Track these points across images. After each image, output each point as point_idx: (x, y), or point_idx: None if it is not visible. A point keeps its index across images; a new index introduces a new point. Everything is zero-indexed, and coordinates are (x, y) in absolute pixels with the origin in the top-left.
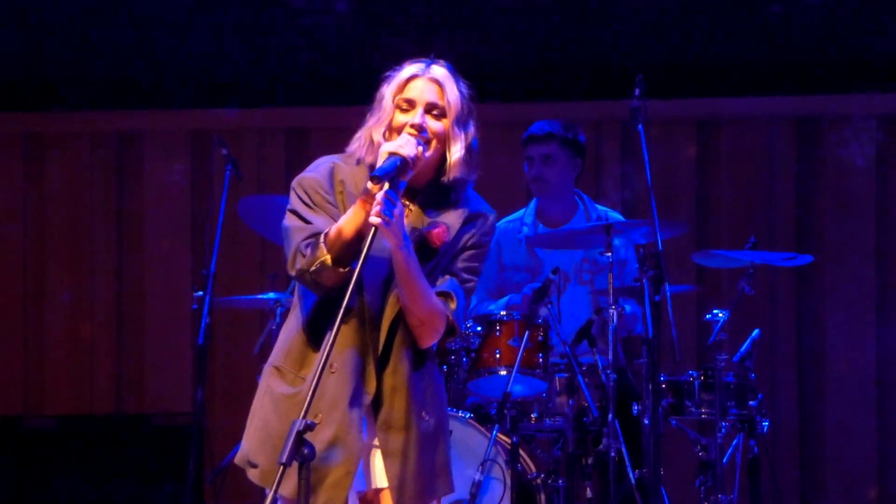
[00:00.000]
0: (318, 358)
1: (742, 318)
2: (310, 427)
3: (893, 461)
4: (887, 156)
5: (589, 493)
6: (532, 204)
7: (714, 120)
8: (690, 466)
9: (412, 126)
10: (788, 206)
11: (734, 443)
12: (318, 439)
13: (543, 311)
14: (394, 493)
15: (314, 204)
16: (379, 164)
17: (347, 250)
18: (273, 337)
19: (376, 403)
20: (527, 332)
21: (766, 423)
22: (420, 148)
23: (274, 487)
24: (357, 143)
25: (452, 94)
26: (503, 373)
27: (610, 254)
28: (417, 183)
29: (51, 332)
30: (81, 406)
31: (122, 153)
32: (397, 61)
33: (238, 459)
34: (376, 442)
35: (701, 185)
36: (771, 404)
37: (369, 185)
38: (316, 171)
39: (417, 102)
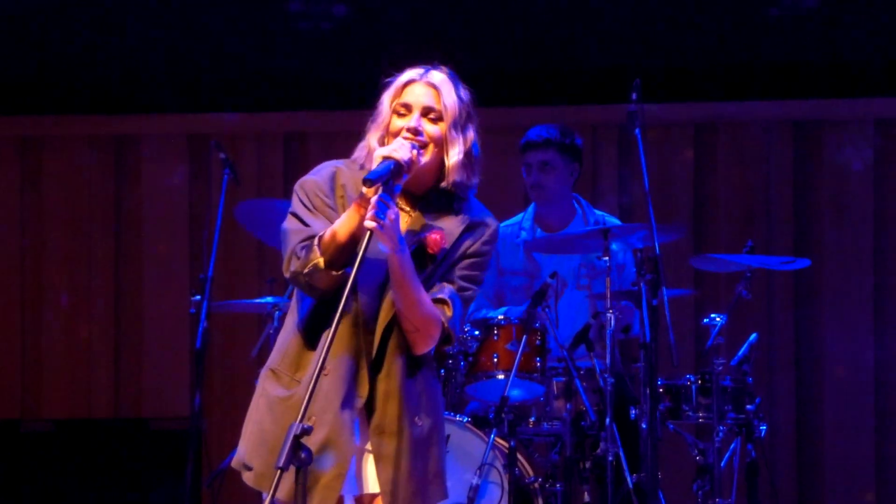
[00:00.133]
0: (314, 361)
1: (740, 322)
2: (306, 431)
3: (891, 464)
4: (884, 160)
5: (587, 498)
6: (530, 208)
7: (711, 124)
8: (688, 470)
9: (408, 130)
10: (786, 209)
11: (732, 447)
12: (310, 441)
13: (541, 316)
14: (385, 499)
15: (314, 207)
16: (373, 167)
17: (341, 254)
18: (271, 341)
19: (370, 408)
20: (524, 336)
21: (764, 427)
22: (414, 151)
23: (271, 492)
24: (360, 150)
25: (449, 98)
26: (501, 377)
27: (607, 258)
28: (418, 189)
29: (49, 336)
30: (79, 410)
31: (121, 157)
32: (395, 66)
33: (234, 462)
34: (369, 446)
35: (698, 190)
36: (768, 408)
37: (364, 188)
38: (318, 175)
39: (414, 107)
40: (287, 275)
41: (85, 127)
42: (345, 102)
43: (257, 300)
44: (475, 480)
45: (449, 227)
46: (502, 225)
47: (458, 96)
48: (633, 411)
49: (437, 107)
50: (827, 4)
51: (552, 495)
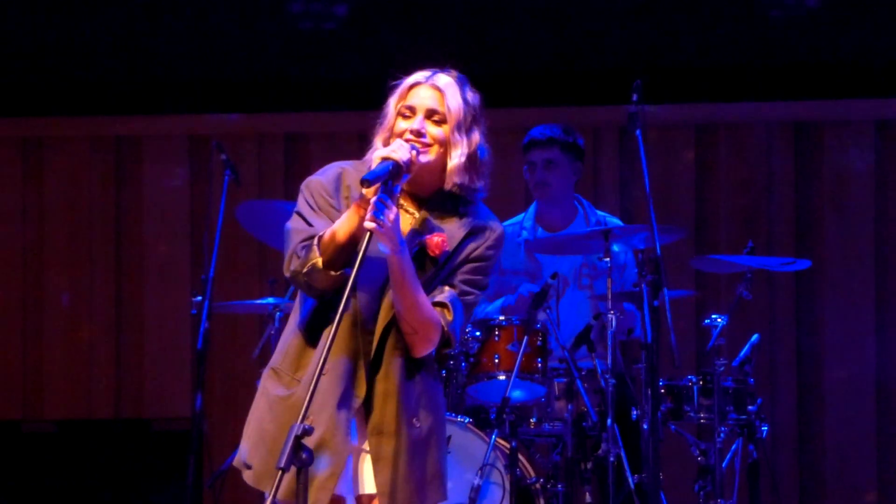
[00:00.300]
0: (314, 360)
1: (741, 323)
2: (307, 432)
3: (893, 465)
4: (885, 161)
5: (588, 498)
6: (532, 208)
7: (712, 125)
8: (690, 471)
9: (411, 132)
10: (787, 211)
11: (733, 447)
12: (307, 440)
13: (542, 316)
14: (383, 500)
15: (318, 207)
16: (372, 168)
17: (340, 254)
18: (272, 342)
19: (368, 408)
20: (525, 337)
21: (766, 428)
22: (413, 152)
23: (273, 491)
24: (371, 152)
25: (454, 100)
26: (502, 377)
27: (609, 259)
28: (422, 191)
29: (50, 337)
30: (80, 411)
31: (121, 158)
32: (395, 66)
33: (235, 461)
34: (367, 446)
35: (699, 191)
36: (770, 409)
37: (363, 189)
38: (323, 176)
39: (418, 109)
40: (287, 274)
41: (86, 128)
42: (346, 103)
43: (258, 301)
44: (476, 481)
45: (452, 230)
46: (503, 224)
47: (464, 99)
48: (635, 412)
49: (440, 109)
50: (828, 6)
51: (553, 496)
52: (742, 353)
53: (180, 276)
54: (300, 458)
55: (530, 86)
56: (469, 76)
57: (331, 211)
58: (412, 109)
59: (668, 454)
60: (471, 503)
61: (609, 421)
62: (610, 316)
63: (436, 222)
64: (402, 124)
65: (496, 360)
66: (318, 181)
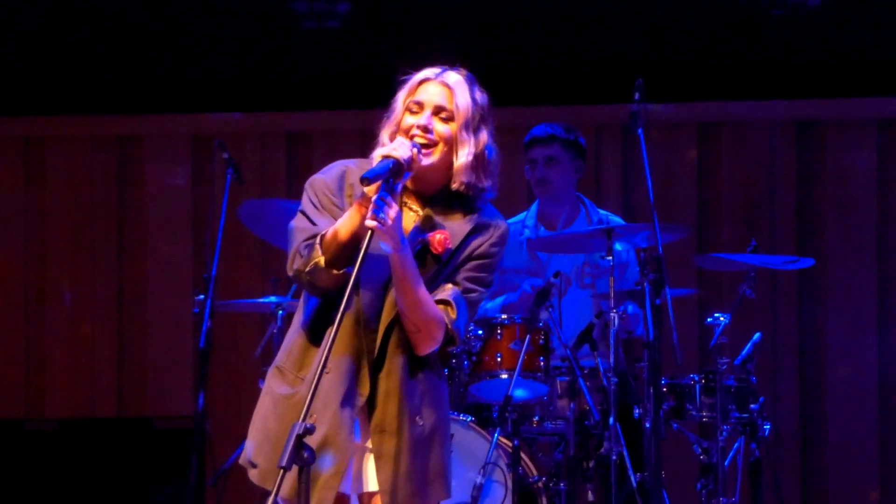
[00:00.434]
0: (317, 359)
1: (743, 322)
2: (309, 430)
3: (895, 464)
4: (888, 159)
5: (590, 497)
6: (534, 207)
7: (714, 123)
8: (692, 470)
9: (418, 127)
10: (789, 209)
11: (735, 446)
12: (310, 440)
13: (544, 315)
14: (384, 497)
15: (321, 206)
16: (372, 166)
17: (342, 253)
18: (274, 340)
19: (371, 406)
20: (528, 336)
21: (768, 427)
22: (415, 150)
23: (275, 490)
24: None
25: (462, 98)
26: (504, 376)
27: (611, 257)
28: (427, 189)
29: (52, 336)
30: (83, 409)
31: (124, 157)
32: (398, 66)
33: (241, 459)
34: (370, 444)
35: (701, 189)
36: (772, 407)
37: (365, 188)
38: (327, 174)
39: (426, 105)
40: (290, 273)
41: (88, 127)
42: (348, 102)
43: (261, 300)
44: (479, 479)
45: (456, 227)
46: None
47: (473, 98)
48: (637, 410)
49: (448, 106)
50: (830, 4)
51: (556, 494)
52: (744, 352)
53: (182, 274)
54: (302, 456)
55: (532, 84)
56: (471, 74)
57: (334, 209)
58: (420, 105)
59: (671, 453)
60: (473, 501)
61: (611, 419)
62: (612, 314)
63: (440, 220)
64: (410, 119)
65: (498, 359)
66: (322, 180)
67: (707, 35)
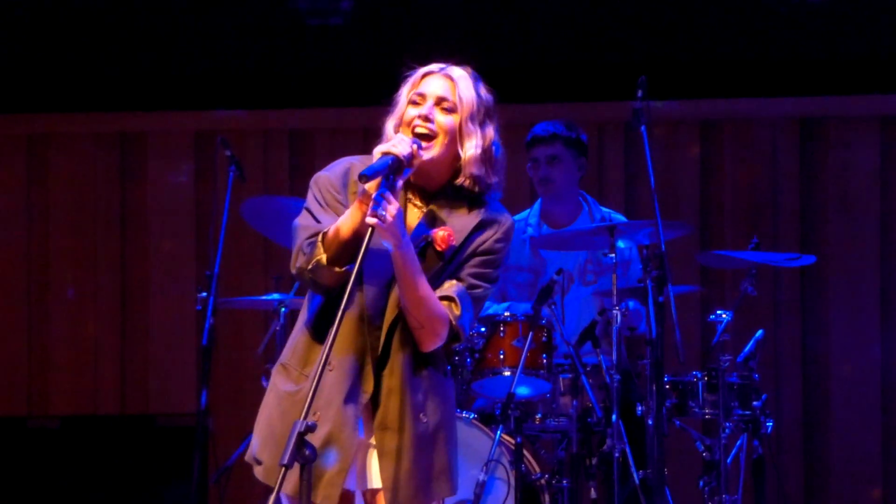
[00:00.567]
0: (319, 356)
1: (746, 319)
2: (311, 428)
3: None
4: (891, 156)
5: (593, 494)
6: (536, 205)
7: (717, 121)
8: (694, 467)
9: (419, 117)
10: (792, 206)
11: (738, 443)
12: (314, 437)
13: (547, 312)
14: (387, 494)
15: (326, 204)
16: (372, 163)
17: (344, 250)
18: (277, 338)
19: (375, 403)
20: (531, 333)
21: (770, 423)
22: (415, 146)
23: (276, 488)
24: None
25: (466, 91)
26: (507, 373)
27: (614, 255)
28: (430, 184)
29: (55, 333)
30: (85, 407)
31: (126, 154)
32: (401, 64)
33: (247, 456)
34: (374, 441)
35: (704, 186)
36: (775, 404)
37: (365, 185)
38: (331, 171)
39: (428, 96)
40: (293, 271)
41: (91, 124)
42: (351, 99)
43: (263, 297)
44: (482, 477)
45: (460, 223)
46: None
47: (477, 92)
48: (640, 408)
49: (451, 97)
50: (833, 1)
51: (558, 492)
52: (747, 349)
53: (185, 272)
54: (303, 454)
55: (535, 81)
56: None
57: (338, 207)
58: (422, 96)
59: (673, 450)
60: (476, 499)
61: (614, 417)
62: (615, 312)
63: (444, 216)
64: (412, 111)
65: (501, 356)
66: (326, 177)
67: (710, 32)
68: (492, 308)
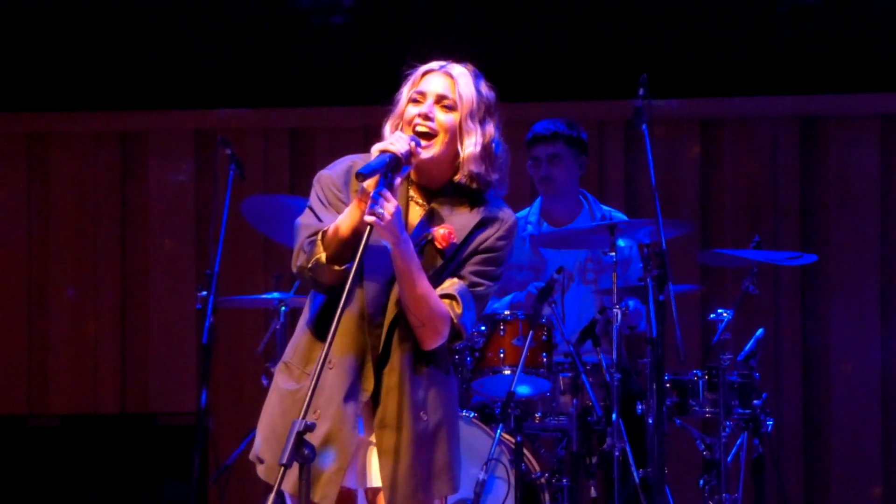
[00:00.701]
0: (319, 355)
1: (746, 318)
2: (309, 428)
3: None
4: (891, 155)
5: (593, 493)
6: (537, 203)
7: (718, 119)
8: (694, 466)
9: (419, 115)
10: (792, 205)
11: (738, 442)
12: (314, 435)
13: (547, 311)
14: (386, 493)
15: (328, 202)
16: (370, 161)
17: (343, 248)
18: (277, 336)
19: (376, 402)
20: (531, 332)
21: (771, 422)
22: (413, 144)
23: (275, 488)
24: None
25: (466, 88)
26: (507, 372)
27: (614, 253)
28: (431, 182)
29: (55, 332)
30: (85, 406)
31: (126, 153)
32: (401, 62)
33: (251, 455)
34: (374, 440)
35: (705, 185)
36: (775, 403)
37: (363, 183)
38: (333, 170)
39: (428, 94)
40: (294, 269)
41: (91, 123)
42: (351, 98)
43: (263, 296)
44: (482, 475)
45: (461, 221)
46: None
47: (477, 90)
48: (640, 406)
49: (451, 95)
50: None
51: (559, 490)
52: (747, 348)
53: (185, 270)
54: (302, 454)
55: (535, 79)
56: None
57: (340, 205)
58: (422, 94)
59: (673, 448)
60: (476, 497)
61: (614, 415)
62: (615, 310)
63: (445, 214)
64: (412, 110)
65: (501, 355)
66: (328, 175)
67: (711, 31)
68: (496, 304)
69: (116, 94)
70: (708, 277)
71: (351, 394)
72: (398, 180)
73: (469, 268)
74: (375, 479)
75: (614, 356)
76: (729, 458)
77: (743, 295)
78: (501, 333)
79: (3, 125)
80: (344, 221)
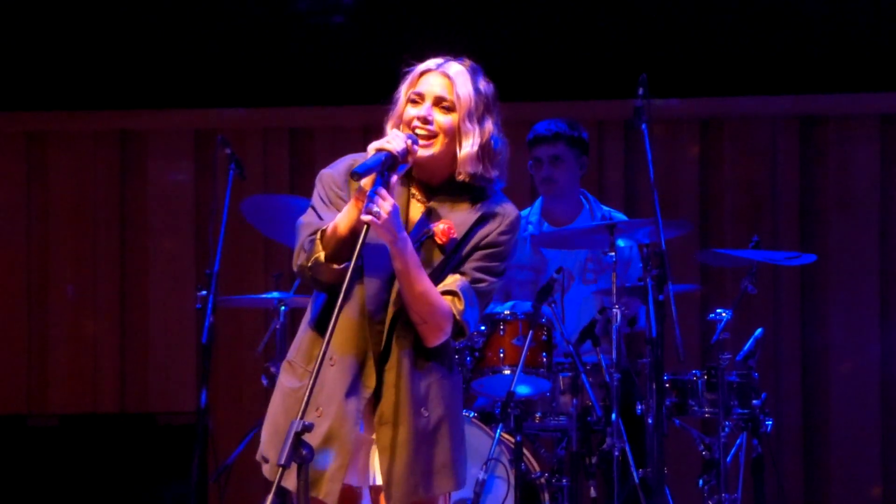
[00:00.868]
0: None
1: (745, 317)
2: (307, 428)
3: None
4: (891, 155)
5: (593, 493)
6: (537, 203)
7: (717, 119)
8: (694, 466)
9: (418, 118)
10: (792, 205)
11: (738, 442)
12: (315, 432)
13: (547, 311)
14: (386, 490)
15: (329, 201)
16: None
17: (342, 247)
18: (277, 336)
19: (377, 399)
20: (531, 332)
21: (770, 422)
22: (409, 142)
23: (274, 487)
24: None
25: (463, 88)
26: (507, 372)
27: (614, 253)
28: (433, 180)
29: (54, 331)
30: (85, 405)
31: (126, 152)
32: (401, 62)
33: (257, 454)
34: (375, 437)
35: (704, 185)
36: (774, 403)
37: (361, 182)
38: (334, 168)
39: (426, 96)
40: (295, 268)
41: (90, 122)
42: (351, 98)
43: (263, 295)
44: (481, 475)
45: (461, 217)
46: None
47: (475, 88)
48: (640, 406)
49: (449, 97)
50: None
51: (558, 490)
52: (746, 348)
53: (185, 270)
54: (300, 454)
55: (535, 79)
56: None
57: (341, 204)
58: (421, 96)
59: (673, 449)
60: (476, 497)
61: (614, 415)
62: (615, 310)
63: (446, 210)
64: (411, 111)
65: (501, 355)
66: (329, 174)
67: (710, 30)
68: (497, 307)
69: (116, 94)
70: (707, 277)
71: (352, 391)
72: (395, 178)
73: (471, 264)
74: (379, 477)
75: (614, 356)
76: (728, 458)
77: (742, 295)
78: (501, 333)
79: (2, 124)
80: (342, 220)
